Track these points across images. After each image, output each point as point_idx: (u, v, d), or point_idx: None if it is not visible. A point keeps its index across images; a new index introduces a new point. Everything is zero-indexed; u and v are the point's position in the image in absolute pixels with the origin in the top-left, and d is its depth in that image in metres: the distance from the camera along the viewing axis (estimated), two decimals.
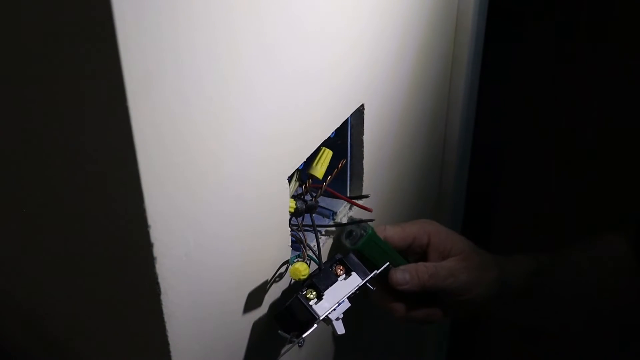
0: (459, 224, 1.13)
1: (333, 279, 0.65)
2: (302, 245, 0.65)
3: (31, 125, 0.49)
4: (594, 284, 0.78)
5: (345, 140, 0.73)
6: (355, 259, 0.67)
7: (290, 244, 0.65)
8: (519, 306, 0.79)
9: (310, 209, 0.67)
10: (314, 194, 0.68)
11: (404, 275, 0.71)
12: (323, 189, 0.68)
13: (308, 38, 0.57)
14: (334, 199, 0.74)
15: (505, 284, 0.75)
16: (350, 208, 0.76)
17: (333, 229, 0.73)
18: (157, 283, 0.49)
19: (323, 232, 0.73)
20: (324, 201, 0.74)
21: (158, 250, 0.47)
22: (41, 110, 0.47)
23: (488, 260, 0.75)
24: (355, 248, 0.69)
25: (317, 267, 0.65)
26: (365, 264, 0.68)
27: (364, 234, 0.69)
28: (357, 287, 0.65)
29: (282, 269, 0.64)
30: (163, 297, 0.50)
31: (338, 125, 0.67)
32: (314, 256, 0.65)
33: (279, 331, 0.62)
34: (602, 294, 0.78)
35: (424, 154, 0.94)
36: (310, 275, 0.63)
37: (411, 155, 0.89)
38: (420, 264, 0.72)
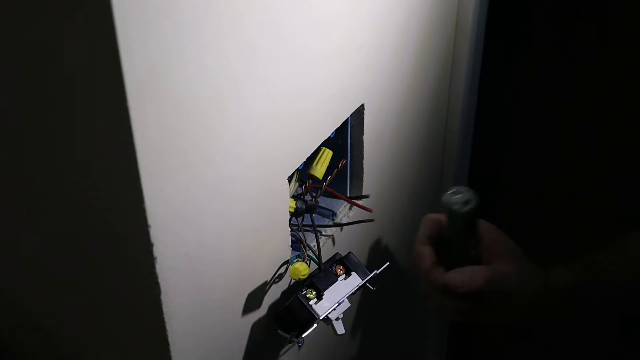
0: None
1: (333, 279, 0.65)
2: (302, 245, 0.65)
3: (31, 126, 0.49)
4: (629, 292, 0.77)
5: (345, 140, 0.73)
6: (355, 259, 0.67)
7: (290, 244, 0.65)
8: (559, 324, 0.78)
9: (310, 209, 0.67)
10: (314, 194, 0.68)
11: (462, 277, 0.70)
12: (323, 189, 0.68)
13: (307, 38, 0.57)
14: (334, 199, 0.74)
15: (548, 297, 0.74)
16: (350, 208, 0.76)
17: (333, 229, 0.73)
18: (157, 283, 0.49)
19: (323, 232, 0.73)
20: (324, 201, 0.74)
21: (158, 250, 0.48)
22: (41, 111, 0.47)
23: (534, 267, 0.74)
24: (466, 211, 0.67)
25: (317, 267, 0.65)
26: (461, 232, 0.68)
27: (473, 199, 0.67)
28: (357, 287, 0.65)
29: (282, 269, 0.64)
30: (163, 297, 0.50)
31: (338, 125, 0.67)
32: (314, 256, 0.65)
33: (279, 331, 0.62)
34: (635, 300, 0.77)
35: (424, 153, 0.94)
36: (310, 275, 0.63)
37: (411, 155, 0.89)
38: (476, 267, 0.71)
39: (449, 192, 0.68)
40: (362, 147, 0.73)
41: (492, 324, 0.76)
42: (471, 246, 0.72)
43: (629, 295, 0.77)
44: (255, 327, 0.64)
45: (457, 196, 0.67)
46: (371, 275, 0.67)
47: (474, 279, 0.70)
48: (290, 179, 0.62)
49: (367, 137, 0.72)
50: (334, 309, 0.63)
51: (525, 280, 0.72)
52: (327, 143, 0.66)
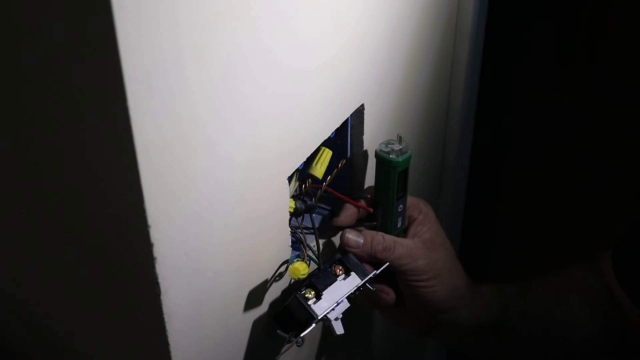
0: (458, 225, 1.13)
1: (332, 279, 0.65)
2: (301, 245, 0.65)
3: (31, 126, 0.49)
4: (557, 321, 0.77)
5: (345, 140, 0.73)
6: (355, 259, 0.67)
7: (290, 243, 0.65)
8: (487, 341, 0.77)
9: (310, 209, 0.67)
10: (314, 194, 0.69)
11: (358, 238, 0.68)
12: (323, 189, 0.68)
13: (307, 37, 0.57)
14: (334, 199, 0.74)
15: (482, 311, 0.74)
16: None
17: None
18: (157, 283, 0.49)
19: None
20: (324, 201, 0.74)
21: (158, 250, 0.48)
22: (41, 110, 0.47)
23: (464, 276, 0.73)
24: (399, 161, 0.66)
25: (316, 267, 0.65)
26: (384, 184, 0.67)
27: (407, 150, 0.66)
28: (356, 287, 0.65)
29: (282, 269, 0.64)
30: (163, 297, 0.50)
31: (338, 125, 0.67)
32: (313, 256, 0.65)
33: (278, 331, 0.62)
34: (565, 328, 0.77)
35: (424, 153, 0.94)
36: (310, 275, 0.63)
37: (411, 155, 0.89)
38: (380, 233, 0.69)
39: (382, 144, 0.67)
40: (362, 147, 0.73)
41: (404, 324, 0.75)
42: (398, 211, 0.70)
43: (556, 323, 0.76)
44: (256, 326, 0.64)
45: (392, 146, 0.67)
46: (371, 275, 0.67)
47: (369, 245, 0.67)
48: (290, 179, 0.62)
49: (367, 137, 0.73)
50: (333, 309, 0.63)
51: (440, 271, 0.70)
52: (327, 143, 0.66)
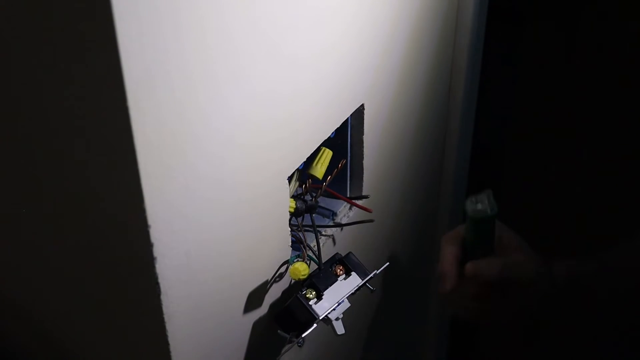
0: (458, 224, 1.13)
1: (333, 279, 0.65)
2: (302, 245, 0.65)
3: (30, 126, 0.49)
4: (630, 287, 0.78)
5: (345, 140, 0.73)
6: (355, 259, 0.67)
7: (290, 244, 0.65)
8: (562, 307, 0.80)
9: (310, 209, 0.67)
10: (314, 194, 0.68)
11: (478, 266, 0.72)
12: (323, 189, 0.68)
13: (308, 37, 0.57)
14: (334, 199, 0.74)
15: (553, 284, 0.76)
16: (350, 208, 0.76)
17: (333, 229, 0.73)
18: (157, 283, 0.49)
19: (323, 232, 0.73)
20: (324, 201, 0.74)
21: (158, 250, 0.48)
22: (40, 111, 0.47)
23: (540, 259, 0.77)
24: (494, 214, 0.69)
25: (317, 267, 0.65)
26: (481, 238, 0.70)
27: (493, 200, 0.69)
28: (356, 287, 0.65)
29: (282, 269, 0.64)
30: (163, 297, 0.50)
31: (338, 125, 0.67)
32: (313, 256, 0.65)
33: (279, 331, 0.62)
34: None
35: (424, 153, 0.94)
36: (310, 275, 0.63)
37: (411, 155, 0.89)
38: (491, 258, 0.73)
39: (469, 201, 0.69)
40: (362, 147, 0.73)
41: (506, 318, 0.78)
42: (492, 247, 0.74)
43: (632, 290, 0.78)
44: (256, 326, 0.64)
45: (481, 203, 0.69)
46: (371, 275, 0.67)
47: (490, 268, 0.72)
48: (290, 179, 0.62)
49: (367, 137, 0.72)
50: (334, 309, 0.63)
51: (536, 270, 0.74)
52: (327, 143, 0.66)
